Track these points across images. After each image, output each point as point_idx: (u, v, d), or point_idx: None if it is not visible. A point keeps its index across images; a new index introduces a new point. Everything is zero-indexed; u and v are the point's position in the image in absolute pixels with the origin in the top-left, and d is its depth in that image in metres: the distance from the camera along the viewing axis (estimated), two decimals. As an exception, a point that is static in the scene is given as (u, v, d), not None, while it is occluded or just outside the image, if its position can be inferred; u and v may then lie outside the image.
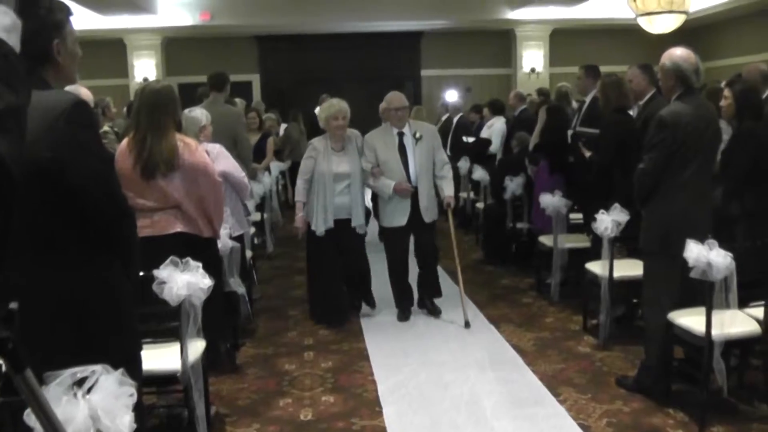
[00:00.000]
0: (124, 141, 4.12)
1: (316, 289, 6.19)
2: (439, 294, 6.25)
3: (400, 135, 6.01)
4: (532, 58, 15.74)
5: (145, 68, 14.75)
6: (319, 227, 5.82)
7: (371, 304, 6.34)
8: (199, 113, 5.12)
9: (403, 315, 6.15)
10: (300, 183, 5.91)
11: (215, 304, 4.04)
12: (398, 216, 5.96)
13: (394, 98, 6.07)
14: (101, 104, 6.81)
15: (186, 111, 5.08)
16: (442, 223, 6.49)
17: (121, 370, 2.07)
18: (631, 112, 5.81)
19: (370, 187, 6.16)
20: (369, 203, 6.49)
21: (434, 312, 6.19)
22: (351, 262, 6.05)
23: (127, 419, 2.02)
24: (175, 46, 15.29)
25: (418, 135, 5.99)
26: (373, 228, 7.37)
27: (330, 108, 5.95)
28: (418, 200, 5.94)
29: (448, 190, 6.13)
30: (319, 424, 4.16)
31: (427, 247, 6.16)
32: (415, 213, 5.94)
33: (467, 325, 5.82)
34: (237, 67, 14.05)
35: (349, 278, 6.17)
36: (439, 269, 6.62)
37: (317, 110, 5.22)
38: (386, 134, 6.06)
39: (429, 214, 6.00)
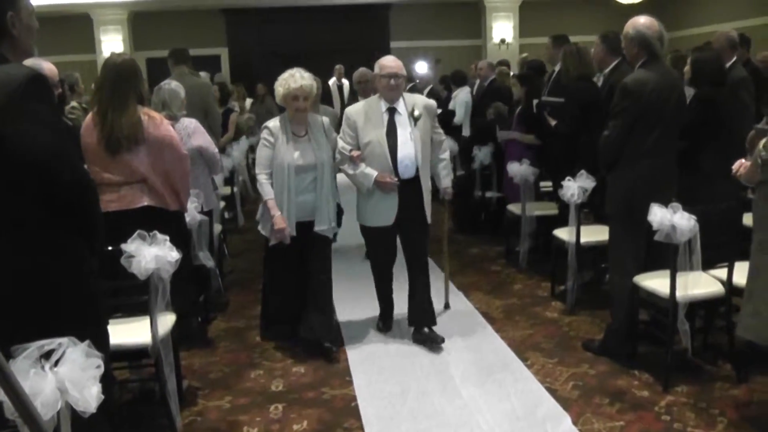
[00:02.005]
0: (89, 116, 4.09)
1: (269, 302, 5.11)
2: (434, 321, 4.86)
3: (391, 111, 4.70)
4: (502, 30, 15.74)
5: (112, 43, 14.54)
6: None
7: (336, 341, 4.91)
8: (175, 86, 5.08)
9: (385, 325, 5.16)
10: (263, 178, 4.63)
11: (184, 278, 4.06)
12: (383, 213, 4.72)
13: (388, 63, 4.69)
14: (69, 80, 6.72)
15: (162, 84, 5.04)
16: (435, 215, 5.26)
17: (87, 342, 2.08)
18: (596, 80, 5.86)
19: (347, 176, 4.80)
20: (344, 201, 5.01)
21: (435, 341, 4.74)
22: (311, 270, 4.76)
23: (94, 390, 2.04)
24: (142, 20, 15.09)
25: (416, 113, 4.66)
26: (352, 229, 5.55)
27: (288, 83, 4.59)
28: (410, 196, 4.68)
29: (446, 179, 5.01)
30: (289, 394, 4.20)
31: (420, 254, 4.87)
32: (405, 211, 4.70)
33: (446, 306, 5.48)
34: (205, 40, 13.94)
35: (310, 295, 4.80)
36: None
37: (277, 82, 4.63)
38: (372, 109, 4.72)
39: (428, 211, 4.81)
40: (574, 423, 3.68)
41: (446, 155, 5.00)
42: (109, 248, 3.32)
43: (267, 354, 4.85)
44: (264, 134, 4.69)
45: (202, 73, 8.32)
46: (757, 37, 8.84)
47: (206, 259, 5.02)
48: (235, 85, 11.71)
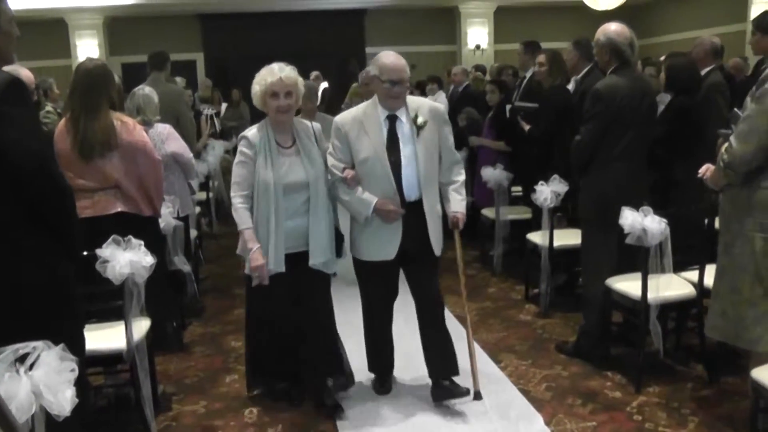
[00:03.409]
0: (62, 121, 4.09)
1: (255, 352, 4.16)
2: (457, 371, 4.00)
3: (391, 120, 3.82)
4: (477, 35, 15.85)
5: (87, 48, 14.43)
6: (271, 263, 3.75)
7: (344, 382, 4.11)
8: (149, 91, 5.07)
9: (382, 386, 4.21)
10: (238, 202, 3.76)
11: (159, 283, 4.06)
12: (382, 245, 3.85)
13: (390, 63, 3.76)
14: (44, 85, 6.67)
15: (136, 89, 5.04)
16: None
17: (62, 345, 2.09)
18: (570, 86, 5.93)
19: (339, 202, 3.94)
20: (342, 224, 4.10)
21: (457, 395, 3.94)
22: (308, 312, 3.94)
23: (69, 394, 2.04)
24: (118, 25, 15.01)
25: (420, 120, 3.80)
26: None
27: (265, 78, 3.75)
28: (416, 223, 3.81)
29: (456, 203, 3.95)
30: (264, 400, 4.17)
31: (431, 294, 3.98)
32: (410, 241, 3.83)
33: (477, 396, 3.97)
34: (180, 45, 13.90)
35: (309, 352, 3.97)
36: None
37: (254, 80, 3.85)
38: (368, 117, 3.83)
39: (438, 242, 3.91)
40: (547, 423, 3.73)
41: (461, 177, 4.00)
42: (84, 253, 3.31)
43: (242, 359, 4.78)
44: (241, 146, 3.78)
45: (178, 78, 8.31)
46: (727, 44, 8.98)
47: (182, 263, 5.01)
48: (213, 89, 11.70)
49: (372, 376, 4.28)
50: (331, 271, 3.99)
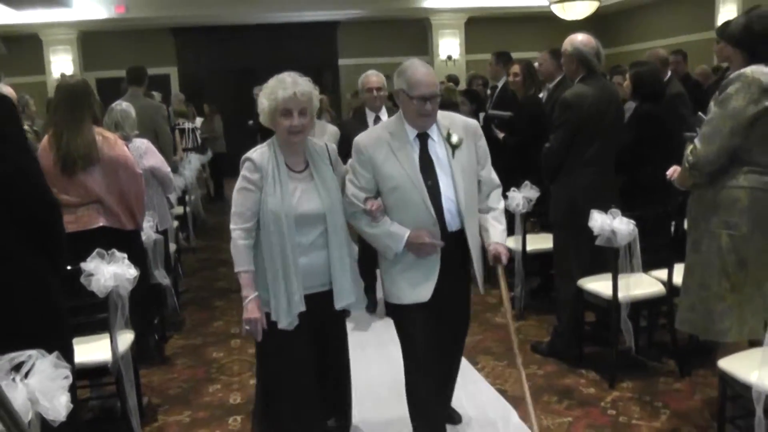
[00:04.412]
0: (45, 138, 4.15)
1: (276, 407, 3.35)
2: (452, 391, 3.78)
3: (422, 139, 3.28)
4: (449, 46, 16.03)
5: (61, 64, 14.45)
6: (282, 317, 3.15)
7: (344, 425, 3.59)
8: (126, 106, 5.14)
9: None
10: (238, 237, 3.16)
11: (142, 297, 4.14)
12: (416, 284, 3.28)
13: (422, 77, 3.20)
14: (21, 102, 6.73)
15: (113, 105, 5.10)
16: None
17: (56, 353, 2.16)
18: (541, 95, 6.08)
19: (362, 236, 3.42)
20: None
21: (454, 418, 3.83)
22: (329, 363, 3.39)
23: (64, 400, 2.12)
24: (92, 40, 15.01)
25: (455, 139, 3.28)
26: None
27: (275, 92, 3.13)
28: (456, 257, 3.33)
29: (497, 233, 3.40)
30: (248, 405, 4.25)
31: (458, 342, 3.64)
32: (448, 278, 3.31)
33: None
34: (154, 60, 13.93)
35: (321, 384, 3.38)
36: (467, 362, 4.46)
37: (261, 93, 3.24)
38: (395, 138, 3.27)
39: (481, 276, 3.46)
40: (523, 420, 3.83)
41: (501, 204, 3.50)
42: (69, 268, 3.38)
43: (224, 369, 4.91)
44: (245, 170, 3.19)
45: (155, 93, 8.38)
46: (693, 52, 9.22)
47: (162, 277, 5.07)
48: (186, 104, 11.78)
49: None
50: (358, 309, 3.51)
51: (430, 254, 3.23)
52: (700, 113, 3.58)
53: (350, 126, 5.40)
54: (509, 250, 3.47)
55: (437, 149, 3.28)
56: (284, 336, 3.16)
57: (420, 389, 3.33)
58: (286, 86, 3.11)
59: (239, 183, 3.19)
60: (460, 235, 3.30)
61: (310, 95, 3.16)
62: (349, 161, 3.35)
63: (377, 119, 5.21)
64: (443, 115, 3.36)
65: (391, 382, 3.94)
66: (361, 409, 3.81)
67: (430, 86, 3.19)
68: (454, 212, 3.27)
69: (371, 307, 5.16)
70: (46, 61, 14.63)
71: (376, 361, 4.68)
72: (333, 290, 3.23)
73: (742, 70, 3.19)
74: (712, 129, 3.24)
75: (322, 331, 3.29)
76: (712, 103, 3.31)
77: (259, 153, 3.19)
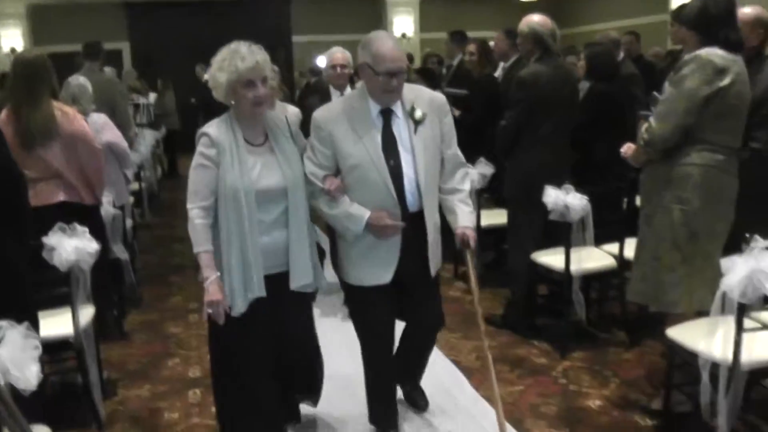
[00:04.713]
0: (3, 112, 4.11)
1: (231, 401, 3.27)
2: (421, 375, 3.79)
3: (386, 115, 3.15)
4: (403, 24, 16.07)
5: (11, 38, 14.16)
6: (238, 302, 3.02)
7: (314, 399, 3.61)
8: (83, 80, 5.09)
9: None
10: (195, 216, 2.99)
11: (101, 272, 4.14)
12: (376, 267, 3.21)
13: (388, 52, 3.03)
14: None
15: (70, 79, 5.05)
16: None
17: (26, 323, 2.19)
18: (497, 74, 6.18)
19: (322, 215, 3.26)
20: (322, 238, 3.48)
21: (417, 404, 3.79)
22: (290, 351, 3.27)
23: (34, 369, 2.16)
24: (42, 13, 14.69)
25: (418, 114, 3.14)
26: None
27: (234, 63, 2.95)
28: (416, 238, 3.19)
29: (465, 216, 3.28)
30: (206, 379, 4.21)
31: (432, 319, 3.50)
32: (409, 260, 3.21)
33: None
34: (106, 34, 13.64)
35: (284, 372, 3.30)
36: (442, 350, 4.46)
37: (210, 71, 3.09)
38: (357, 114, 3.14)
39: (436, 260, 3.33)
40: (476, 389, 3.97)
41: (467, 185, 3.38)
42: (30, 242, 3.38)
43: (182, 343, 4.95)
44: (201, 146, 3.01)
45: (108, 69, 8.27)
46: (646, 34, 9.39)
47: (121, 252, 5.08)
48: (138, 80, 11.63)
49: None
50: (314, 289, 3.31)
51: (391, 236, 3.12)
52: (654, 93, 3.70)
53: (314, 106, 5.06)
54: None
55: (401, 126, 3.14)
56: (238, 320, 3.01)
57: (375, 367, 3.40)
58: (243, 56, 2.95)
59: (195, 159, 3.02)
60: (420, 216, 3.19)
61: (268, 62, 3.06)
62: (309, 138, 3.21)
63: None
64: (409, 89, 3.19)
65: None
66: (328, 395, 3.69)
67: (397, 61, 3.02)
68: (415, 192, 3.15)
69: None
70: (-6, 35, 14.30)
71: (345, 345, 4.25)
72: (290, 269, 3.09)
73: (697, 52, 3.31)
74: (667, 108, 3.37)
75: (283, 312, 3.14)
76: (667, 83, 3.43)
77: (215, 127, 3.03)
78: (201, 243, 2.98)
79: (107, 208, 4.73)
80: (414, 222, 3.16)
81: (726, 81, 3.24)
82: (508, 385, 4.02)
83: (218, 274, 2.96)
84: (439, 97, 3.31)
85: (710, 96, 3.26)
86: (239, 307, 3.00)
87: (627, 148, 3.67)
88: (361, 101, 3.16)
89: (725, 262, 2.87)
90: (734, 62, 3.27)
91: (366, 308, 3.31)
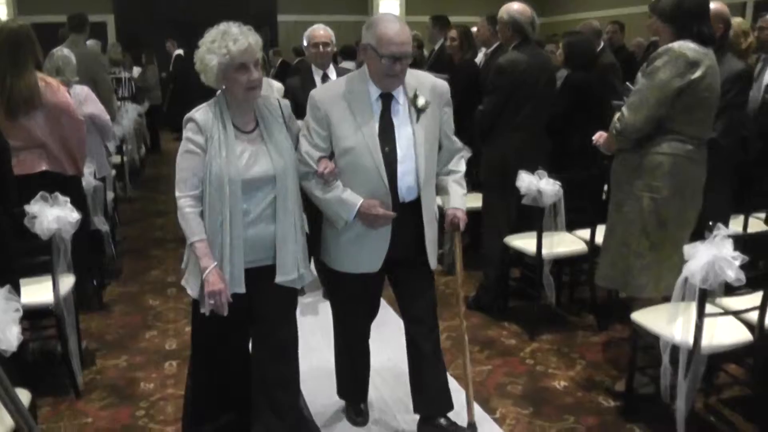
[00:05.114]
0: None
1: (201, 395, 3.20)
2: (452, 405, 3.31)
3: (385, 100, 3.04)
4: (388, 6, 15.99)
5: (-6, 7, 13.94)
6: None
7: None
8: (67, 52, 5.12)
9: (359, 415, 3.57)
10: (186, 206, 2.83)
11: (82, 242, 4.21)
12: (365, 254, 3.11)
13: (394, 34, 2.89)
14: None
15: (54, 51, 5.07)
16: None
17: (7, 287, 2.26)
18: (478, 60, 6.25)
19: (312, 199, 3.10)
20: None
21: None
22: (270, 342, 3.07)
23: (15, 330, 2.23)
24: (26, -17, 14.50)
25: (421, 101, 3.04)
26: None
27: (226, 45, 2.77)
28: (409, 227, 3.10)
29: (457, 198, 3.24)
30: (183, 351, 4.36)
31: (427, 313, 3.30)
32: (400, 248, 3.11)
33: (471, 428, 3.32)
34: (91, 6, 13.55)
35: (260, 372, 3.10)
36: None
37: (198, 54, 2.85)
38: (356, 96, 3.03)
39: (434, 251, 3.22)
40: (447, 368, 4.04)
41: (462, 167, 3.34)
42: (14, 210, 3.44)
43: (160, 316, 5.02)
44: (187, 132, 2.85)
45: (91, 41, 8.26)
46: (631, 24, 9.49)
47: (101, 223, 5.15)
48: (122, 53, 11.59)
49: (340, 403, 3.65)
50: (301, 286, 3.09)
51: (381, 226, 3.01)
52: (627, 83, 3.80)
53: (295, 86, 4.84)
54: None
55: (400, 112, 3.03)
56: (215, 316, 2.85)
57: (345, 346, 3.45)
58: (235, 37, 2.76)
59: (183, 146, 2.85)
60: (415, 206, 3.08)
61: (260, 44, 2.88)
62: (305, 117, 3.08)
63: (325, 77, 4.77)
64: (411, 75, 3.07)
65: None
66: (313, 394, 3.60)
67: (402, 45, 2.88)
68: (411, 183, 3.03)
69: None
70: (-22, 4, 14.11)
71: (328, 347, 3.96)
72: (276, 262, 2.92)
73: (670, 45, 3.41)
74: (639, 99, 3.46)
75: (267, 306, 3.00)
76: (639, 75, 3.53)
77: (202, 112, 2.86)
78: (194, 233, 2.82)
79: (88, 180, 4.79)
80: (407, 212, 3.05)
81: (698, 74, 3.34)
82: (477, 364, 4.13)
83: (216, 263, 2.80)
84: (441, 84, 3.18)
85: (682, 88, 3.35)
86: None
87: (599, 136, 3.76)
88: (361, 84, 3.04)
89: (688, 249, 2.99)
90: (706, 55, 3.37)
91: (348, 293, 3.25)
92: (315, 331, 4.41)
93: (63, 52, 5.07)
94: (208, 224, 2.83)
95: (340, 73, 4.59)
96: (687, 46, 3.36)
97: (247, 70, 2.78)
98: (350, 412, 3.58)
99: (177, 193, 2.84)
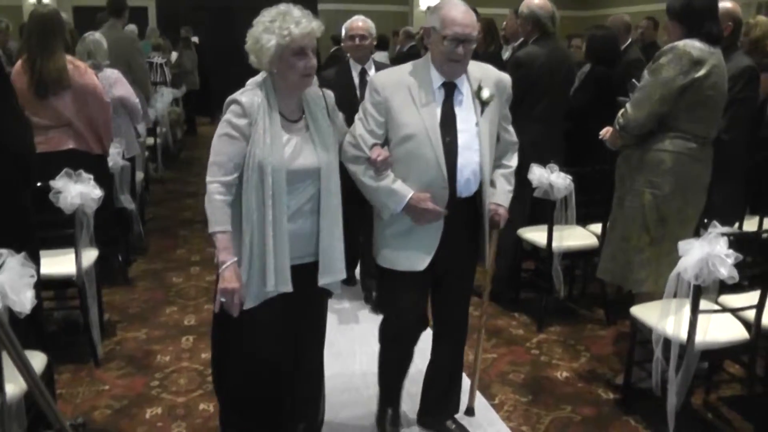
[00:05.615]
0: (19, 62, 4.37)
1: (234, 394, 2.95)
2: (458, 408, 3.38)
3: (448, 89, 2.90)
4: (428, -3, 16.08)
5: (37, -11, 14.26)
6: (251, 295, 2.69)
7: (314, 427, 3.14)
8: (99, 36, 5.31)
9: (394, 425, 3.33)
10: (215, 191, 2.63)
11: (107, 219, 4.40)
12: (411, 250, 2.93)
13: (458, 16, 2.78)
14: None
15: (86, 35, 5.26)
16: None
17: (24, 253, 2.41)
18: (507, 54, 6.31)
19: (359, 186, 2.93)
20: None
21: None
22: (302, 352, 2.94)
23: (29, 294, 2.38)
24: (68, -33, 14.79)
25: (486, 94, 2.90)
26: None
27: (287, 27, 2.59)
28: (461, 226, 2.95)
29: (503, 193, 3.08)
30: (200, 327, 4.55)
31: (460, 319, 3.24)
32: (448, 249, 2.94)
33: (469, 412, 3.44)
34: (132, -9, 13.88)
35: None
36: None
37: (253, 32, 2.66)
38: (418, 83, 2.88)
39: (491, 250, 3.14)
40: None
41: (514, 162, 3.20)
42: (39, 184, 3.61)
43: (182, 293, 5.20)
44: (230, 115, 2.65)
45: (131, 26, 8.45)
46: (663, 21, 9.41)
47: (127, 202, 5.33)
48: (162, 38, 11.82)
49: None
50: (339, 290, 2.94)
51: (429, 222, 2.85)
52: (633, 80, 3.84)
53: (329, 78, 4.48)
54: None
55: (463, 103, 2.89)
56: (248, 313, 2.67)
57: (393, 359, 3.19)
58: (298, 20, 2.59)
59: (221, 128, 2.65)
60: (471, 202, 2.95)
61: (322, 30, 2.70)
62: (362, 101, 2.96)
63: (363, 73, 4.58)
64: (476, 66, 2.96)
65: (371, 383, 3.64)
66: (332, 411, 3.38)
67: (467, 27, 2.76)
68: (470, 177, 2.88)
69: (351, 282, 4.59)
70: (23, -15, 14.45)
71: (357, 356, 4.16)
72: (319, 263, 2.76)
73: (675, 43, 3.46)
74: (643, 95, 3.52)
75: (303, 308, 2.82)
76: (645, 72, 3.59)
77: (249, 95, 2.65)
78: (219, 222, 2.62)
79: (116, 159, 4.96)
80: (462, 208, 2.91)
81: (702, 72, 3.39)
82: (483, 352, 4.12)
83: (235, 259, 2.62)
84: (505, 78, 3.03)
85: (685, 86, 3.40)
86: (250, 302, 2.67)
87: (605, 132, 3.82)
88: (423, 71, 2.90)
89: (683, 245, 3.03)
90: (711, 54, 3.42)
91: (396, 294, 3.03)
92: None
93: (95, 36, 5.26)
94: (246, 215, 2.62)
95: (378, 68, 4.41)
96: (692, 45, 3.40)
97: (305, 56, 2.62)
98: (385, 420, 3.32)
99: (208, 177, 2.64)
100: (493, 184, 3.02)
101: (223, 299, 2.61)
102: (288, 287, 2.64)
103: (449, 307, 3.12)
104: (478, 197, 2.95)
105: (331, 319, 3.27)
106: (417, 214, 2.82)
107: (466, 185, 2.88)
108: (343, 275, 2.85)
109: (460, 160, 2.84)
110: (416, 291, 3.02)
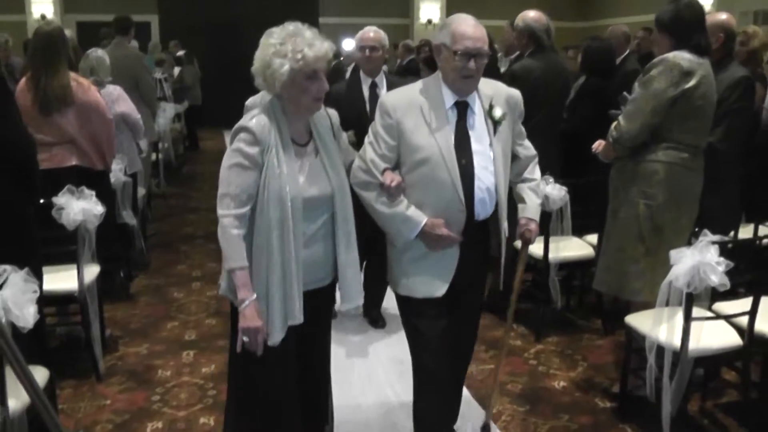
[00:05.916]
0: (23, 80, 4.44)
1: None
2: (456, 419, 3.30)
3: (461, 108, 2.79)
4: (429, 10, 16.18)
5: (41, 5, 14.31)
6: (276, 328, 2.55)
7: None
8: (102, 53, 5.38)
9: None
10: (230, 225, 2.49)
11: (109, 235, 4.46)
12: (429, 276, 2.82)
13: (468, 30, 2.68)
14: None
15: (90, 51, 5.34)
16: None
17: (26, 269, 2.47)
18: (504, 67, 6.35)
19: (371, 212, 2.82)
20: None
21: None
22: (311, 372, 2.85)
23: (32, 310, 2.44)
24: (72, -19, 14.95)
25: (498, 113, 2.80)
26: None
27: (301, 48, 2.46)
28: (477, 250, 2.88)
29: (533, 207, 3.02)
30: (201, 342, 4.61)
31: (467, 345, 3.18)
32: (466, 273, 2.85)
33: (485, 429, 3.33)
34: (135, 6, 13.96)
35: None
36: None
37: (261, 56, 2.51)
38: (430, 103, 2.77)
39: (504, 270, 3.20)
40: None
41: (537, 174, 3.09)
42: (42, 201, 3.67)
43: (183, 308, 5.24)
44: (240, 143, 2.51)
45: (132, 43, 8.55)
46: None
47: (129, 217, 5.38)
48: (164, 53, 11.93)
49: None
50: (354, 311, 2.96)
51: (444, 248, 2.76)
52: (624, 93, 3.89)
53: (339, 93, 4.36)
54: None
55: (476, 123, 2.79)
56: (276, 352, 2.57)
57: (430, 408, 2.91)
58: (311, 43, 2.47)
59: (232, 158, 2.50)
60: (486, 225, 2.87)
61: (334, 50, 2.59)
62: (372, 123, 2.83)
63: (374, 86, 4.49)
64: (487, 83, 2.87)
65: (374, 406, 3.77)
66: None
67: (478, 41, 2.66)
68: (486, 199, 2.78)
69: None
70: (26, 1, 14.54)
71: (358, 378, 4.12)
72: (340, 289, 2.73)
73: (665, 55, 3.52)
74: (635, 108, 3.57)
75: (309, 335, 2.72)
76: (636, 84, 3.64)
77: (257, 120, 2.51)
78: (236, 258, 2.48)
79: (118, 175, 5.03)
80: (479, 231, 2.84)
81: (691, 83, 3.44)
82: (481, 363, 4.25)
83: (255, 296, 2.50)
84: (515, 94, 2.96)
85: (676, 97, 3.46)
86: (277, 336, 2.54)
87: (598, 144, 3.87)
88: (434, 90, 2.79)
89: (674, 254, 3.08)
90: (700, 65, 3.47)
91: (419, 324, 2.86)
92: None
93: (97, 53, 5.33)
94: (262, 248, 2.51)
95: (391, 83, 4.42)
96: (681, 56, 3.46)
97: (318, 79, 2.51)
98: None
99: (221, 211, 2.50)
100: (522, 199, 3.00)
101: (246, 338, 2.50)
102: (300, 318, 2.56)
103: (459, 325, 2.98)
104: (492, 219, 2.87)
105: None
106: (432, 240, 2.74)
107: (483, 208, 2.79)
108: (362, 299, 2.81)
109: (477, 183, 2.75)
110: (438, 318, 2.84)
